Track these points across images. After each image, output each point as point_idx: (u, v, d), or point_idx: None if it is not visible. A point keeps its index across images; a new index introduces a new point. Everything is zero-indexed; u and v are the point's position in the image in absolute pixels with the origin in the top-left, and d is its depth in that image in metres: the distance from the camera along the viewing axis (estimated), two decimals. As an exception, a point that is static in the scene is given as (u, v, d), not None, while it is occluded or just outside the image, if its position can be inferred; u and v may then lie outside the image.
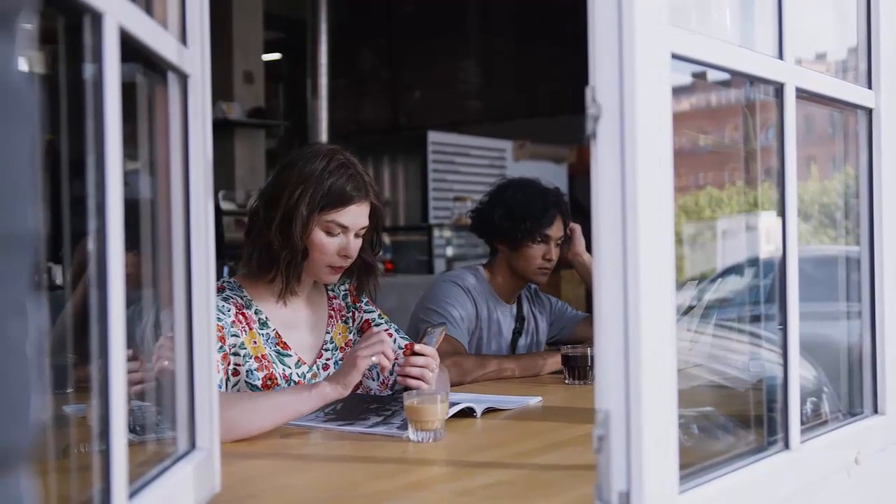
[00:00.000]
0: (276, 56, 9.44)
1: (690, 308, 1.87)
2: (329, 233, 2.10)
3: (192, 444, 1.30)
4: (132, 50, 1.06)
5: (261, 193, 2.16)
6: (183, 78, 1.28)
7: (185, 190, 1.29)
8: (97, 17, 0.94)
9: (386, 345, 1.92)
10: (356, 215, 2.11)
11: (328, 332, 2.25)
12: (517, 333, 3.00)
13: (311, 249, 2.10)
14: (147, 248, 1.28)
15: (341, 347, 2.25)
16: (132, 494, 1.03)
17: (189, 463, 1.25)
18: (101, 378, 0.95)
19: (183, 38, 1.29)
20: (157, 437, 1.36)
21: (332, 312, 2.28)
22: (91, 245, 0.96)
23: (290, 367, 2.12)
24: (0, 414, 0.51)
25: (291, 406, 1.88)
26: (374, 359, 1.90)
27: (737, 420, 1.62)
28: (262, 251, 2.11)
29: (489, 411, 2.08)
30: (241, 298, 2.13)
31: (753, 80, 1.48)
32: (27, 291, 0.53)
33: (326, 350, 2.23)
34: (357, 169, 2.12)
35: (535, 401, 2.25)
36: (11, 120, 0.49)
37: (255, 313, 2.13)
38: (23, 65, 0.52)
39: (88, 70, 0.96)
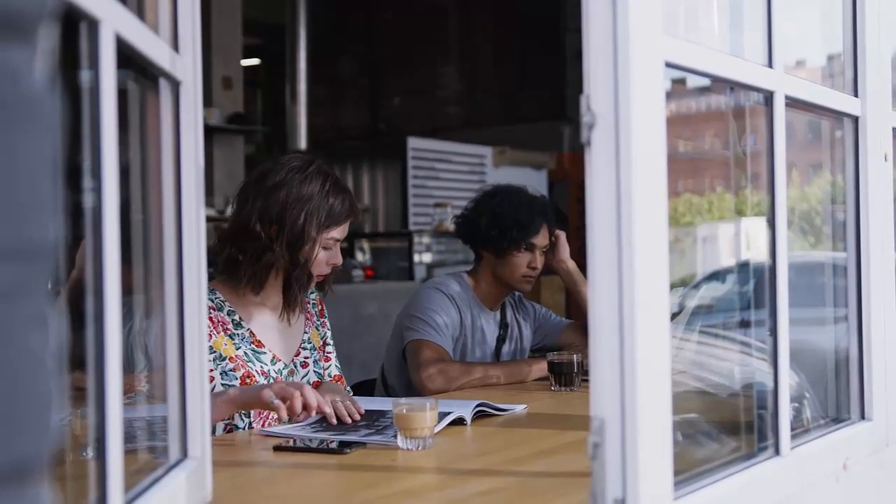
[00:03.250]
0: (255, 61, 9.41)
1: (675, 315, 1.88)
2: (326, 248, 2.21)
3: (184, 454, 1.29)
4: (124, 56, 1.05)
5: (258, 211, 2.15)
6: (175, 84, 1.28)
7: (177, 197, 1.28)
8: (94, 24, 0.94)
9: (295, 399, 1.87)
10: (346, 228, 2.25)
11: (306, 333, 2.33)
12: (501, 340, 3.00)
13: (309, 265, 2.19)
14: (137, 255, 1.27)
15: (319, 348, 2.35)
16: (127, 505, 1.02)
17: (181, 472, 1.24)
18: (97, 388, 0.94)
19: (175, 45, 1.28)
20: (138, 446, 1.35)
21: (308, 315, 2.36)
22: (87, 251, 0.95)
23: (266, 364, 2.18)
24: (24, 425, 0.50)
25: None
26: (275, 401, 1.85)
27: (726, 426, 1.63)
28: (266, 269, 2.16)
29: (479, 417, 2.08)
30: (213, 301, 2.16)
31: (744, 88, 1.49)
32: (47, 302, 0.53)
33: (305, 349, 2.31)
34: (343, 184, 2.25)
35: (520, 408, 2.25)
36: (34, 130, 0.49)
37: (228, 314, 2.17)
38: (43, 74, 0.51)
39: (84, 76, 0.95)
